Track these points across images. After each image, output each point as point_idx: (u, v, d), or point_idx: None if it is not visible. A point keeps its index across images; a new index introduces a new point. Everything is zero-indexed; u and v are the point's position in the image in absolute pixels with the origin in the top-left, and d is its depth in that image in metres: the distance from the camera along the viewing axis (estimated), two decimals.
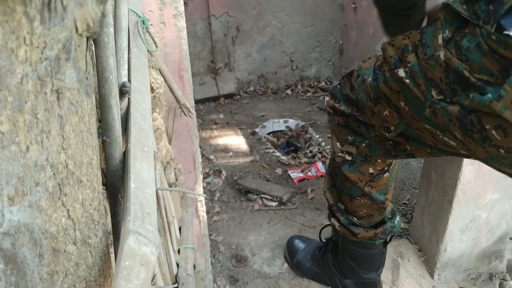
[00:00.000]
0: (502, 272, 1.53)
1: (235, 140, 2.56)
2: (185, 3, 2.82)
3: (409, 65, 0.75)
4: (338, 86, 1.06)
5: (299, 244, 1.56)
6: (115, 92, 0.38)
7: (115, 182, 0.40)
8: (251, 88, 3.27)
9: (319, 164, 2.19)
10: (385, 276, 1.47)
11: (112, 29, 0.37)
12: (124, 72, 0.44)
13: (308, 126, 2.69)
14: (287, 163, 2.28)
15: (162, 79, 0.99)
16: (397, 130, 0.88)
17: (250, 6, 2.98)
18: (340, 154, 1.09)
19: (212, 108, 3.04)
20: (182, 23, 1.09)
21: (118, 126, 0.38)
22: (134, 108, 0.44)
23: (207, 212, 1.91)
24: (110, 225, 0.42)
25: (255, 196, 1.98)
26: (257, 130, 2.67)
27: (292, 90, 3.26)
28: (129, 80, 0.48)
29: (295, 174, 2.13)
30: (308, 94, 3.19)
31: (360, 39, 2.93)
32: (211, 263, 1.62)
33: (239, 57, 3.14)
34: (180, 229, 1.12)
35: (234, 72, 3.18)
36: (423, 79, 0.73)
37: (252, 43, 3.12)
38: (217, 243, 1.73)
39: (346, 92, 1.02)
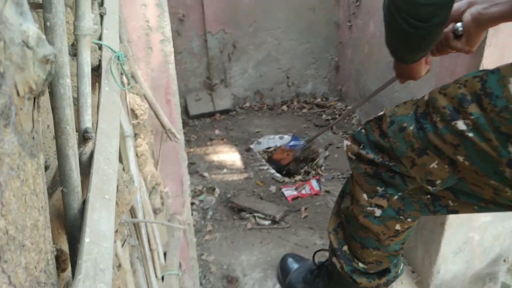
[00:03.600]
0: None
1: (230, 157, 2.55)
2: (182, 20, 2.84)
3: (471, 117, 0.69)
4: (363, 130, 0.96)
5: (292, 264, 1.54)
6: (73, 142, 0.37)
7: (74, 233, 0.39)
8: (247, 104, 3.27)
9: (313, 182, 2.18)
10: None
11: (68, 81, 0.36)
12: (88, 117, 0.43)
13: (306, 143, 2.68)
14: (281, 180, 2.27)
15: (147, 105, 0.99)
16: (444, 184, 0.80)
17: (246, 23, 3.00)
18: (368, 208, 0.96)
19: (208, 124, 3.04)
20: (169, 48, 1.10)
21: (76, 176, 0.38)
22: (98, 153, 0.43)
23: (199, 231, 1.90)
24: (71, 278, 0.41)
25: (248, 215, 1.96)
26: (252, 146, 2.67)
27: (288, 106, 3.26)
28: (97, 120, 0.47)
29: (289, 192, 2.12)
30: (304, 110, 3.19)
31: (355, 57, 2.94)
32: (202, 284, 1.59)
33: (235, 73, 3.15)
34: (165, 254, 1.11)
35: (230, 88, 3.19)
36: (494, 134, 0.67)
37: (248, 60, 3.14)
38: (208, 263, 1.71)
39: (375, 139, 0.92)
